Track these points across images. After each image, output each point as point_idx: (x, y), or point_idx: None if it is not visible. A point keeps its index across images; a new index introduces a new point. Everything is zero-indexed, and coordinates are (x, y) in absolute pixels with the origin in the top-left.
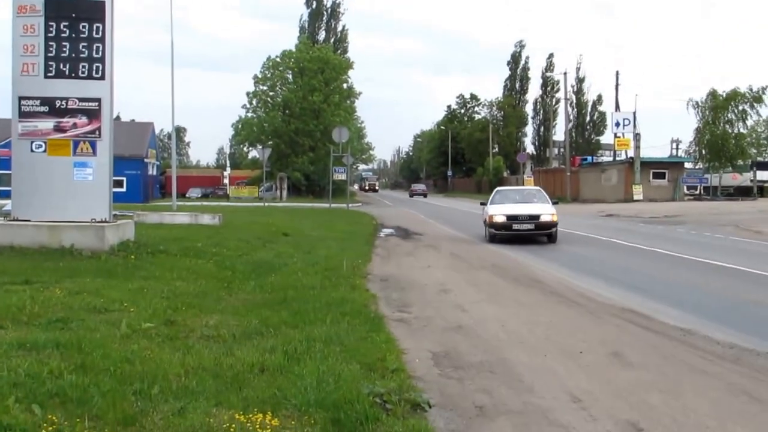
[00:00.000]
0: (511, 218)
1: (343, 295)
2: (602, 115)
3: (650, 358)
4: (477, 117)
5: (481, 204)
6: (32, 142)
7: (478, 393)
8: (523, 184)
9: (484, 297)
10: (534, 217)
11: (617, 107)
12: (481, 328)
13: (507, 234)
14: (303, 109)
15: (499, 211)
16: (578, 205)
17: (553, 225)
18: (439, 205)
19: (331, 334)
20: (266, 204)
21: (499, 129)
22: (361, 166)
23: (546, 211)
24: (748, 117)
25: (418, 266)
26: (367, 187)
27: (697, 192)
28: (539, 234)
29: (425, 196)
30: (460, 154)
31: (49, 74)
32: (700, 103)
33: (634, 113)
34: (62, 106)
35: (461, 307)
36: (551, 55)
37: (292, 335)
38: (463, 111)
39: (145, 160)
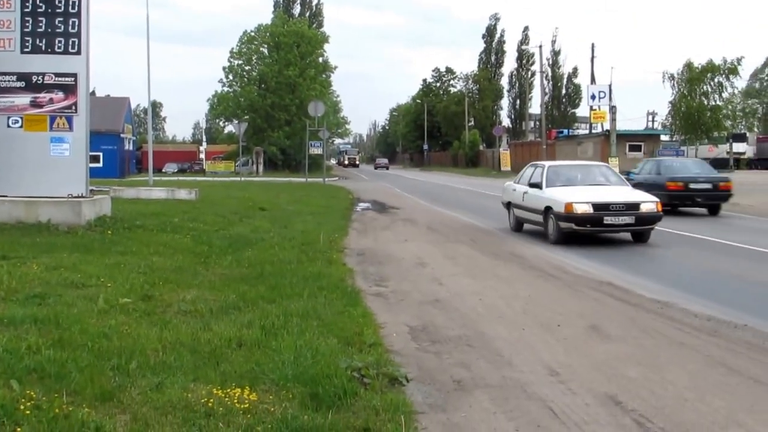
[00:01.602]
0: (601, 208)
1: (320, 269)
2: (578, 88)
3: (628, 330)
4: (453, 90)
5: (512, 183)
6: (9, 118)
7: (455, 367)
8: (499, 158)
9: (461, 271)
10: (632, 207)
11: (593, 80)
12: (458, 301)
13: (592, 231)
14: (279, 84)
15: (575, 196)
16: None
17: (658, 218)
18: (415, 179)
19: (309, 308)
20: (243, 179)
21: (475, 102)
22: (337, 141)
23: (644, 197)
24: (724, 89)
25: (394, 240)
26: (347, 162)
27: None
28: (639, 230)
29: (387, 168)
30: (437, 127)
31: (26, 50)
32: (675, 76)
33: (610, 86)
34: (39, 82)
35: (438, 280)
36: (526, 29)
37: (270, 310)
38: (438, 84)
39: (122, 135)
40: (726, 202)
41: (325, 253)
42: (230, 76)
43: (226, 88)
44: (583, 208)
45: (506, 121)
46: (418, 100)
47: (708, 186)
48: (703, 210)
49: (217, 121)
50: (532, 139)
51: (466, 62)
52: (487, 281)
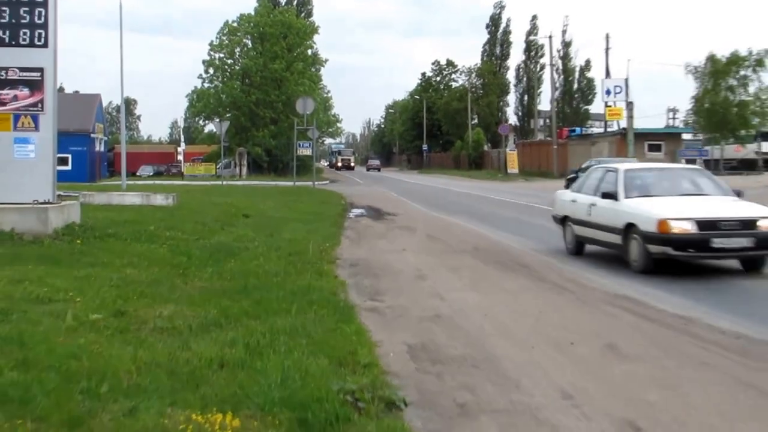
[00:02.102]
0: (707, 226)
1: (309, 282)
2: (591, 82)
3: (648, 350)
4: (454, 85)
5: (566, 192)
6: None
7: (459, 390)
8: (505, 159)
9: (465, 284)
10: (748, 225)
11: (607, 73)
12: (461, 317)
13: (696, 256)
14: (264, 78)
15: (671, 210)
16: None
17: None
18: (414, 183)
19: (297, 325)
20: (224, 182)
21: (479, 98)
22: (328, 140)
23: (760, 211)
24: (750, 83)
25: (391, 250)
26: (340, 164)
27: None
28: (759, 255)
29: (379, 169)
30: (437, 126)
31: None
32: (698, 68)
33: (626, 80)
34: (1, 77)
35: (440, 295)
36: (534, 17)
37: (254, 327)
38: (439, 79)
39: (92, 135)
40: None
41: (315, 264)
42: (210, 71)
43: (206, 84)
44: (683, 227)
45: (513, 119)
46: (417, 96)
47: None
48: None
49: (197, 119)
50: (541, 138)
51: (468, 54)
52: (494, 295)
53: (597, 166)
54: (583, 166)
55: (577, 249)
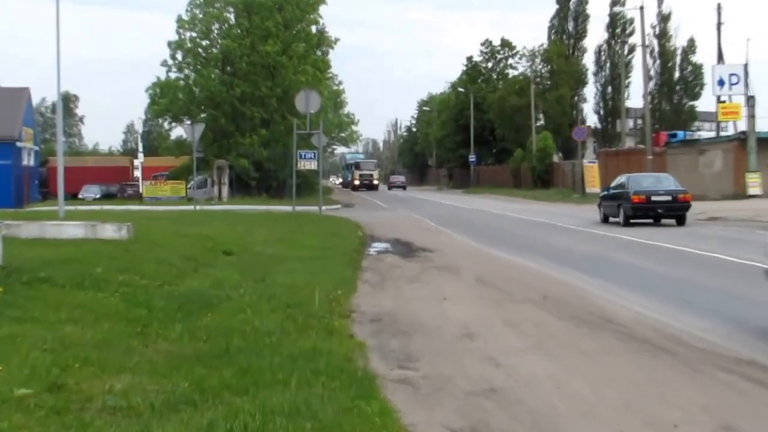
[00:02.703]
0: None
1: (315, 343)
2: (698, 69)
3: None
4: (512, 74)
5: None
6: None
7: None
8: (581, 174)
9: (528, 344)
10: None
11: (720, 58)
12: (525, 391)
13: None
14: (252, 65)
15: None
16: None
17: None
18: (457, 207)
19: (299, 403)
20: (199, 207)
21: (546, 91)
22: (340, 149)
23: None
24: None
25: (427, 298)
26: (357, 182)
27: None
28: None
29: (404, 188)
30: (488, 129)
31: None
32: None
33: (745, 66)
34: None
35: (494, 359)
36: None
37: (240, 405)
38: (491, 65)
39: (18, 144)
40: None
41: (323, 318)
42: (179, 56)
43: (173, 74)
44: None
45: (592, 120)
46: (461, 89)
47: (668, 198)
48: None
49: (161, 121)
50: (631, 145)
51: (531, 32)
52: (568, 360)
53: None
54: (613, 184)
55: None
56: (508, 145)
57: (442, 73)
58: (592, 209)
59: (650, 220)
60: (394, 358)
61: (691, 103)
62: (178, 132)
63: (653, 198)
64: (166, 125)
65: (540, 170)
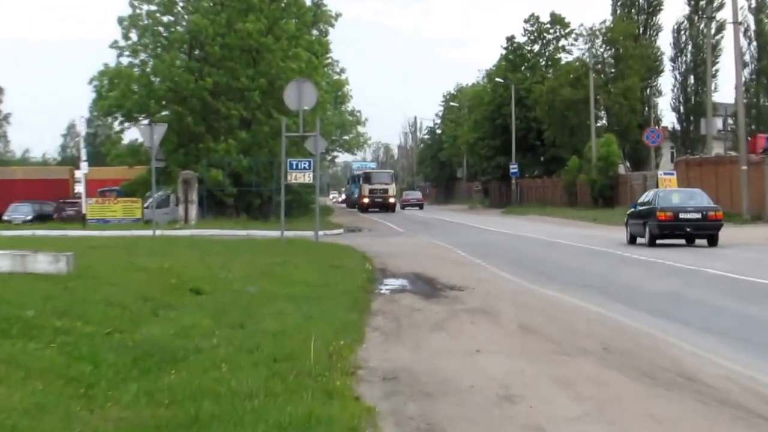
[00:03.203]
0: None
1: (310, 408)
2: None
3: None
4: (565, 59)
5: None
6: None
7: None
8: (656, 186)
9: (586, 410)
10: None
11: None
12: None
13: None
14: (228, 48)
15: None
16: (764, 227)
17: None
18: (493, 232)
19: None
20: (159, 232)
21: (609, 82)
22: (342, 158)
23: None
24: None
25: (456, 350)
26: (367, 200)
27: None
28: None
29: (421, 207)
30: (534, 131)
31: None
32: None
33: None
34: None
35: (543, 430)
36: None
37: None
38: (537, 48)
39: None
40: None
41: (321, 376)
42: (133, 35)
43: (125, 59)
44: None
45: (669, 119)
46: (499, 79)
47: (697, 216)
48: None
49: (110, 121)
50: (719, 152)
51: (589, 6)
52: (637, 431)
53: None
54: (641, 200)
55: None
56: (560, 152)
57: (474, 59)
58: None
59: (683, 241)
60: (414, 428)
61: None
62: (132, 135)
63: (681, 215)
64: (116, 126)
65: (602, 184)
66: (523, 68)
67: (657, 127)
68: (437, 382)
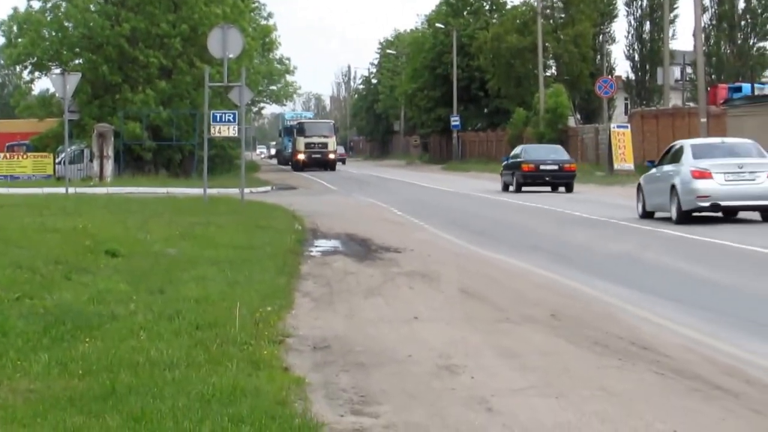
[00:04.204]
0: None
1: (234, 380)
2: None
3: None
4: (510, 4)
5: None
6: None
7: None
8: (609, 144)
9: (532, 381)
10: None
11: None
12: None
13: None
14: None
15: None
16: None
17: None
18: (432, 189)
19: None
20: (72, 190)
21: (557, 28)
22: (270, 109)
23: None
24: None
25: (392, 317)
26: (302, 156)
27: None
28: None
29: (343, 162)
30: (477, 81)
31: None
32: None
33: None
34: None
35: (485, 402)
36: None
37: None
38: None
39: None
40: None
41: (246, 345)
42: None
43: (36, 2)
44: None
45: (623, 67)
46: (440, 25)
47: (555, 167)
48: None
49: (18, 70)
50: (677, 104)
51: None
52: (588, 404)
53: None
54: (512, 154)
55: None
56: (505, 104)
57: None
58: (626, 193)
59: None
60: (347, 400)
61: (760, 44)
62: (43, 85)
63: (542, 167)
64: (26, 75)
65: (550, 138)
66: (465, 13)
67: (610, 76)
68: (372, 352)
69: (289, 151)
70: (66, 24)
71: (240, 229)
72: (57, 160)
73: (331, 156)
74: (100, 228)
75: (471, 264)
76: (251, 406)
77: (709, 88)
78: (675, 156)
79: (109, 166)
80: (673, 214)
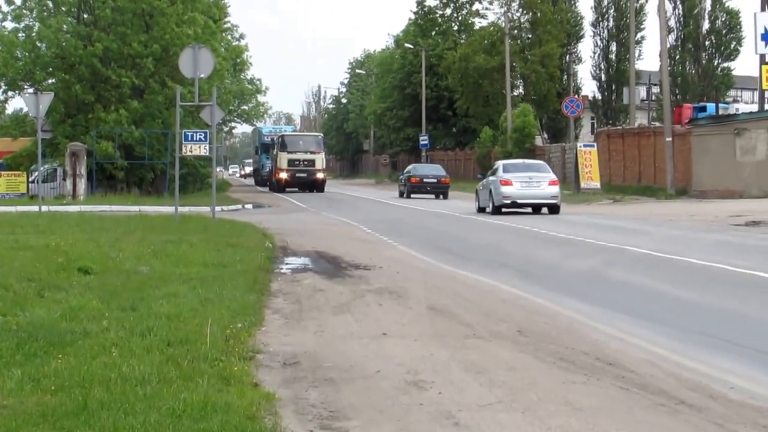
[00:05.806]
0: None
1: (205, 395)
2: (734, 18)
3: None
4: (480, 24)
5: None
6: None
7: None
8: (575, 163)
9: (499, 396)
10: None
11: (765, 3)
12: None
13: None
14: (119, 12)
15: None
16: (689, 203)
17: None
18: (401, 207)
19: None
20: (45, 208)
21: (525, 48)
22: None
23: None
24: None
25: (361, 333)
26: (285, 175)
27: None
28: None
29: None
30: (446, 100)
31: None
32: None
33: None
34: None
35: (453, 418)
36: None
37: None
38: (449, 12)
39: None
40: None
41: (217, 361)
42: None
43: (8, 23)
44: None
45: (590, 87)
46: (409, 45)
47: (434, 180)
48: None
49: None
50: (643, 123)
51: None
52: (554, 419)
53: None
54: (405, 170)
55: None
56: (473, 123)
57: (382, 24)
58: (590, 211)
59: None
60: (316, 416)
61: (725, 65)
62: (16, 104)
63: (425, 180)
64: None
65: (518, 157)
66: (434, 33)
67: (577, 96)
68: (341, 368)
69: (268, 170)
70: (39, 44)
71: (211, 246)
72: (30, 179)
73: (320, 175)
74: (73, 246)
75: (439, 281)
76: (222, 421)
77: (674, 108)
78: (494, 171)
79: (82, 184)
80: (490, 208)
